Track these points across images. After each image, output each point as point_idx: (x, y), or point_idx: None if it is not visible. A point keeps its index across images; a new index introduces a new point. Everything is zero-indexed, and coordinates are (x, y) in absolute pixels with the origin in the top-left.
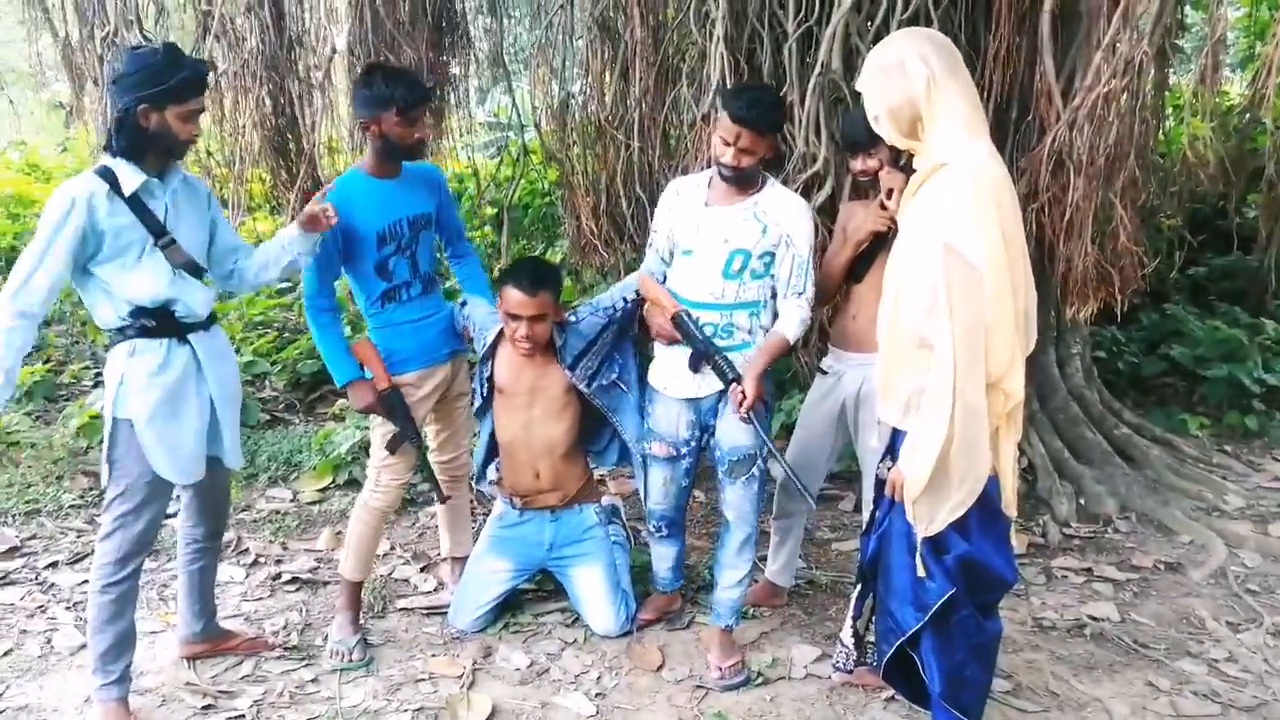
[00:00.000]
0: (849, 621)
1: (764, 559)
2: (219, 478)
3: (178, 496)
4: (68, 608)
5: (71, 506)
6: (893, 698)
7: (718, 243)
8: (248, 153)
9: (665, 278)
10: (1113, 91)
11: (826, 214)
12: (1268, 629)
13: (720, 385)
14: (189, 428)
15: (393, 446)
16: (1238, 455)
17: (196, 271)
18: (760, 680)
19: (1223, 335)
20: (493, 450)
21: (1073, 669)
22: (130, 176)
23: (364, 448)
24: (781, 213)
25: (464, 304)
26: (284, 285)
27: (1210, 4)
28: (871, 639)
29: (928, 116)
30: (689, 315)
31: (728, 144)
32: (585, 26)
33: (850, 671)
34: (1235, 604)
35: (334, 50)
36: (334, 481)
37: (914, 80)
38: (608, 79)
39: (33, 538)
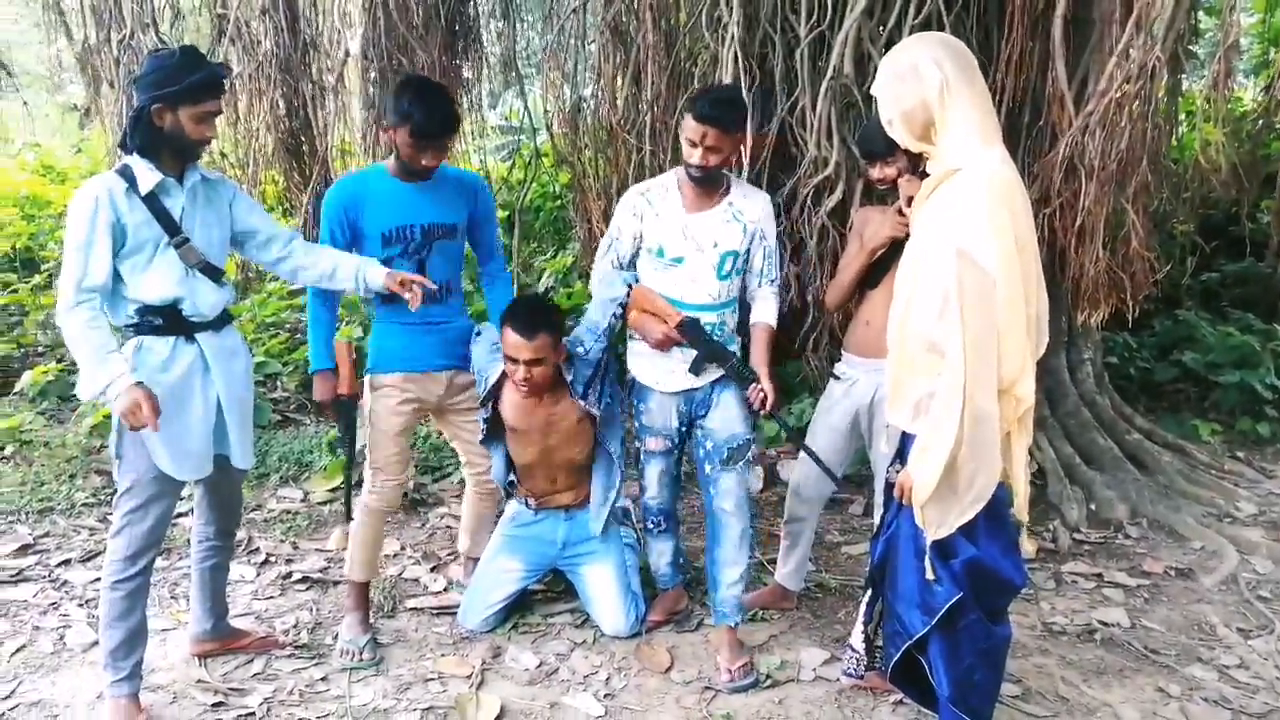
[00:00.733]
0: (859, 626)
1: (773, 562)
2: (229, 476)
3: (190, 495)
4: (80, 605)
5: (84, 504)
6: (901, 701)
7: (708, 247)
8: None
9: (637, 282)
10: (1125, 97)
11: (837, 218)
12: (1279, 635)
13: (713, 376)
14: (193, 426)
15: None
16: (1250, 461)
17: (211, 272)
18: (769, 683)
19: (1235, 341)
20: (510, 463)
21: (1082, 674)
22: (147, 175)
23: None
24: (753, 209)
25: (479, 333)
26: (296, 288)
27: (1223, 9)
28: (880, 643)
29: (940, 121)
30: (697, 322)
31: (695, 144)
32: (597, 30)
33: (860, 677)
34: (1246, 610)
35: (347, 54)
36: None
37: (927, 85)
38: (619, 83)
39: (46, 535)
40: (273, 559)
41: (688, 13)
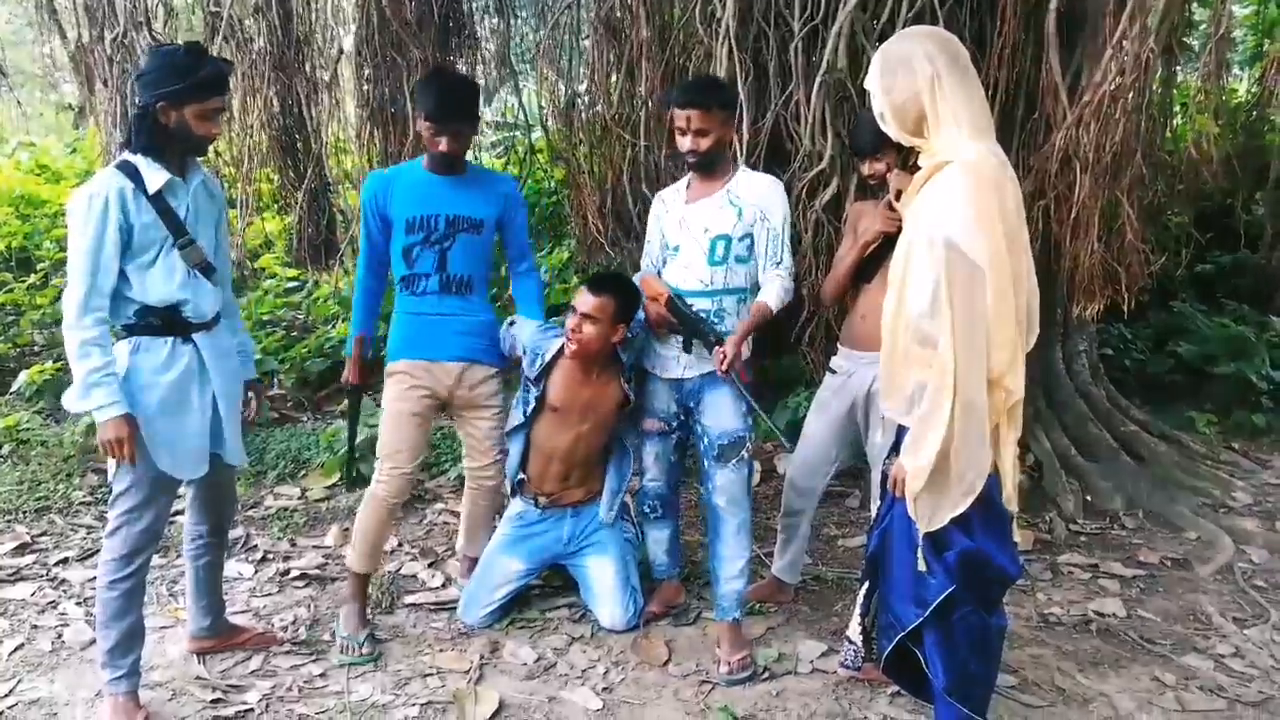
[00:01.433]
0: (856, 619)
1: (770, 555)
2: (222, 474)
3: (183, 494)
4: (78, 603)
5: (81, 503)
6: (898, 693)
7: (699, 233)
8: (256, 152)
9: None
10: (1119, 89)
11: (832, 212)
12: (1274, 624)
13: (706, 369)
14: (191, 425)
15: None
16: (1245, 452)
17: (209, 272)
18: (766, 675)
19: (1230, 332)
20: (524, 458)
21: (1079, 664)
22: (154, 175)
23: (372, 446)
24: (754, 193)
25: (512, 323)
26: (292, 285)
27: (1217, 1)
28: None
29: (932, 114)
30: (680, 297)
31: (684, 131)
32: (591, 26)
33: (858, 669)
34: (1242, 600)
35: (341, 51)
36: (341, 479)
37: (919, 78)
38: (614, 79)
39: (43, 534)
40: (270, 556)
41: (681, 7)
